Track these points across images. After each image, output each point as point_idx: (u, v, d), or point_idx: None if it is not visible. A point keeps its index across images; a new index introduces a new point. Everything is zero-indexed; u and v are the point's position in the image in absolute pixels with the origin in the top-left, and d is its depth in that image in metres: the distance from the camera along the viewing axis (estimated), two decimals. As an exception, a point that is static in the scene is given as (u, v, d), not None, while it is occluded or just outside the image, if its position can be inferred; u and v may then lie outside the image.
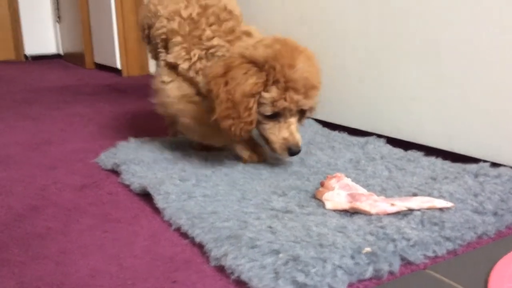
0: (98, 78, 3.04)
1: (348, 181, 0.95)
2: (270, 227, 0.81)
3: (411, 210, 0.85)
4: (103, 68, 3.38)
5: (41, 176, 1.23)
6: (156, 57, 1.33)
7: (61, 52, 4.17)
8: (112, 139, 1.55)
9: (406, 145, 1.24)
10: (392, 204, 0.85)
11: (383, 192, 0.96)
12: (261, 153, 1.18)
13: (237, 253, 0.74)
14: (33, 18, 4.04)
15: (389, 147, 1.23)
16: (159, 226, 0.92)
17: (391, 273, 0.72)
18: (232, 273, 0.71)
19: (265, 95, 1.02)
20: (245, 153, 1.17)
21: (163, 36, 1.20)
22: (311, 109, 1.11)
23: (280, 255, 0.72)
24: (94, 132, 1.69)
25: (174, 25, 1.16)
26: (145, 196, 1.04)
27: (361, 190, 0.93)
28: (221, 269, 0.75)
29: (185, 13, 1.16)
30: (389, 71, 1.26)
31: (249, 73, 1.01)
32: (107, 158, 1.27)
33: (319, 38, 1.28)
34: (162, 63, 1.20)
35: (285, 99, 1.02)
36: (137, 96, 2.40)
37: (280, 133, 1.06)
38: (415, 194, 0.92)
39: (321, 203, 0.91)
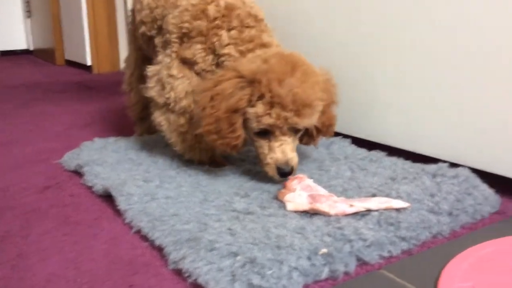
0: (68, 75, 2.99)
1: (309, 182, 0.96)
2: (230, 229, 0.81)
3: (369, 211, 0.86)
4: (73, 65, 3.33)
5: (3, 177, 1.21)
6: (153, 50, 1.26)
7: (31, 48, 4.09)
8: (78, 138, 1.53)
9: (370, 145, 1.26)
10: (351, 205, 0.87)
11: (344, 192, 0.98)
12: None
13: (195, 256, 0.74)
14: (2, 13, 3.95)
15: (353, 147, 1.25)
16: (120, 229, 0.91)
17: (346, 273, 0.74)
18: (189, 276, 0.72)
19: (250, 110, 0.98)
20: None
21: (185, 31, 1.12)
22: (312, 127, 1.06)
23: (238, 257, 0.72)
24: (60, 131, 1.67)
25: (202, 26, 1.10)
26: (108, 197, 1.03)
27: (322, 191, 0.94)
28: (179, 272, 0.75)
29: (211, 13, 1.10)
30: (353, 74, 1.28)
31: (236, 88, 0.98)
32: (70, 159, 1.25)
33: (283, 39, 1.29)
34: (173, 55, 1.13)
35: (270, 115, 0.97)
36: (107, 93, 2.37)
37: (270, 152, 1.01)
38: (374, 195, 0.94)
39: (282, 204, 0.92)
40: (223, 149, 1.03)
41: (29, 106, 2.11)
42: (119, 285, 0.73)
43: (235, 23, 1.10)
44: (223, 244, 0.76)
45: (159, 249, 0.81)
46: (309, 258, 0.73)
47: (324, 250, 0.74)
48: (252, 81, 0.98)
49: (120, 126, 1.72)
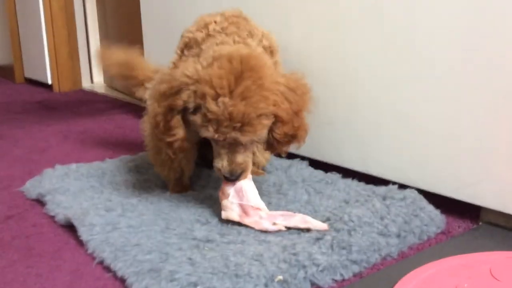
0: (28, 94, 2.95)
1: (244, 183, 1.01)
2: (190, 258, 0.84)
3: (298, 229, 0.96)
4: (33, 83, 3.29)
5: (-38, 208, 1.20)
6: None
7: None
8: (40, 164, 1.53)
9: (326, 167, 1.31)
10: (274, 223, 0.97)
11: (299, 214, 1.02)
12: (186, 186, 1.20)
13: (157, 286, 0.77)
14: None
15: (310, 169, 1.30)
16: (82, 260, 0.93)
17: (301, 298, 0.78)
18: (151, 307, 0.75)
19: (191, 117, 0.97)
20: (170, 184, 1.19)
21: (186, 40, 1.16)
22: (270, 138, 1.01)
23: (198, 287, 0.76)
24: (21, 156, 1.66)
25: (199, 37, 1.12)
26: (70, 227, 1.05)
27: (253, 199, 1.01)
28: (141, 303, 0.78)
29: (211, 28, 1.12)
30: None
31: (177, 88, 0.96)
32: (32, 187, 1.26)
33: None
34: (171, 65, 1.18)
35: (207, 128, 0.95)
36: (69, 114, 2.36)
37: (217, 157, 1.00)
38: (328, 218, 0.99)
39: (241, 231, 0.97)
40: (167, 148, 1.02)
41: (-13, 128, 2.08)
42: (82, 318, 0.75)
43: (231, 29, 1.10)
44: (183, 275, 0.79)
45: (122, 280, 0.84)
46: (266, 285, 0.77)
47: (280, 277, 0.79)
48: (191, 86, 0.95)
49: (82, 149, 1.72)
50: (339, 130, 1.28)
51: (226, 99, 0.92)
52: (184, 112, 0.98)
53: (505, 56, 0.94)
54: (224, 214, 0.99)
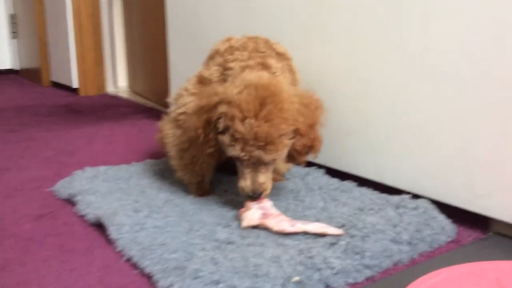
0: (54, 98, 3.06)
1: (267, 203, 1.10)
2: (213, 258, 0.90)
3: (307, 233, 1.02)
4: (59, 86, 3.40)
5: (-2, 205, 1.28)
6: None
7: (17, 68, 4.14)
8: (68, 165, 1.61)
9: (342, 176, 1.36)
10: (292, 225, 1.02)
11: (317, 222, 1.07)
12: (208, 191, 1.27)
13: (182, 283, 0.83)
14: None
15: (327, 177, 1.35)
16: (112, 257, 1.00)
17: (316, 299, 0.83)
18: (176, 302, 0.81)
19: (220, 137, 1.08)
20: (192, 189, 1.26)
21: (211, 53, 1.29)
22: (292, 150, 1.11)
23: (220, 285, 0.82)
24: (50, 157, 1.74)
25: (221, 48, 1.26)
26: (100, 226, 1.12)
27: (274, 210, 1.08)
28: (167, 298, 0.84)
29: (233, 42, 1.26)
30: (328, 109, 1.39)
31: (214, 105, 1.08)
32: (62, 188, 1.33)
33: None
34: (197, 73, 1.28)
35: (234, 147, 1.05)
36: (94, 117, 2.45)
37: (241, 178, 1.10)
38: (343, 225, 1.04)
39: (260, 234, 1.02)
40: (204, 157, 1.14)
41: (17, 130, 2.17)
42: (113, 310, 0.82)
43: (250, 45, 1.23)
44: (207, 273, 0.85)
45: (148, 277, 0.90)
46: (283, 285, 0.82)
47: (296, 278, 0.84)
48: (226, 102, 1.06)
49: (108, 152, 1.80)
50: (355, 140, 1.33)
51: (252, 121, 1.03)
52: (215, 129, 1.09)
53: (516, 74, 0.98)
54: (244, 223, 1.05)
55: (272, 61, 1.21)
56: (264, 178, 1.10)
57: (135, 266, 0.95)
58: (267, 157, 1.06)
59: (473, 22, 1.04)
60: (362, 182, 1.31)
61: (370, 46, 1.26)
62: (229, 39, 1.28)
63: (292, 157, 1.15)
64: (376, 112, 1.27)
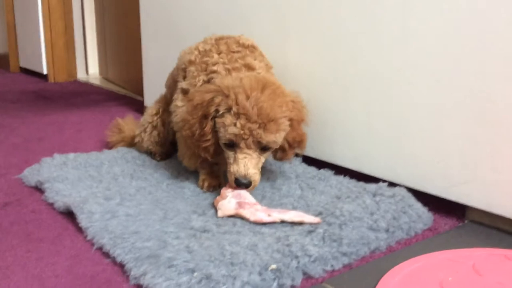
0: (23, 84, 2.96)
1: (242, 191, 1.08)
2: (188, 246, 0.88)
3: (284, 222, 1.00)
4: (28, 73, 3.29)
5: (-39, 193, 1.22)
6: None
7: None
8: (37, 152, 1.55)
9: (319, 164, 1.35)
10: (269, 215, 1.00)
11: (294, 210, 1.06)
12: (218, 176, 1.23)
13: (155, 272, 0.80)
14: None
15: (304, 166, 1.34)
16: (81, 246, 0.96)
17: (293, 286, 0.82)
18: (149, 291, 0.78)
19: (219, 120, 1.08)
20: (201, 178, 1.22)
21: (183, 67, 1.29)
22: (284, 142, 1.13)
23: (195, 274, 0.79)
24: (17, 144, 1.67)
25: (192, 56, 1.26)
26: (69, 214, 1.07)
27: (250, 199, 1.06)
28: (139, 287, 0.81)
29: (201, 47, 1.27)
30: (306, 99, 1.37)
31: (210, 98, 1.09)
32: (30, 175, 1.28)
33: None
34: (179, 90, 1.28)
35: (235, 125, 1.05)
36: (64, 104, 2.38)
37: (234, 163, 1.09)
38: (320, 213, 1.03)
39: (236, 222, 1.00)
40: (200, 153, 1.14)
41: (-17, 116, 2.09)
42: (82, 300, 0.78)
43: (222, 48, 1.24)
44: (181, 261, 0.82)
45: (121, 266, 0.87)
46: (260, 274, 0.80)
47: (274, 266, 0.82)
48: (223, 94, 1.08)
49: (78, 139, 1.74)
50: (332, 129, 1.32)
51: (258, 96, 1.06)
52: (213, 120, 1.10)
53: (494, 62, 0.98)
54: (220, 213, 1.03)
55: (254, 62, 1.23)
56: (256, 169, 1.09)
57: (106, 255, 0.91)
58: (266, 136, 1.06)
59: (452, 13, 1.03)
60: (339, 170, 1.30)
61: (348, 37, 1.25)
62: (196, 48, 1.29)
63: (283, 151, 1.16)
64: (353, 102, 1.26)
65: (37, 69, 3.10)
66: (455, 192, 1.08)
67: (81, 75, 3.18)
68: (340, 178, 1.24)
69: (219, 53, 1.23)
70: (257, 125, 1.05)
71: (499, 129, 0.99)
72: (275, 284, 0.80)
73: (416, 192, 1.12)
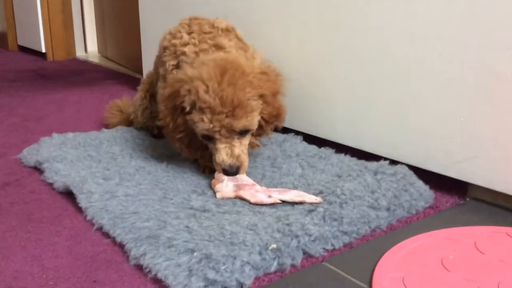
0: (21, 62, 2.93)
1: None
2: (187, 226, 0.87)
3: (285, 202, 0.99)
4: (27, 51, 3.26)
5: (-40, 173, 1.22)
6: None
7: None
8: (35, 132, 1.54)
9: (320, 142, 1.34)
10: (269, 196, 0.99)
11: (294, 189, 1.05)
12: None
13: (155, 252, 0.80)
14: None
15: (304, 144, 1.33)
16: (81, 226, 0.96)
17: (293, 266, 0.81)
18: (149, 271, 0.78)
19: (188, 117, 1.06)
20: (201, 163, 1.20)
21: (159, 54, 1.28)
22: (260, 120, 1.10)
23: (195, 253, 0.79)
24: (16, 124, 1.66)
25: (164, 42, 1.24)
26: (68, 194, 1.07)
27: (247, 180, 1.05)
28: (139, 268, 0.81)
29: (173, 29, 1.24)
30: (307, 75, 1.35)
31: (176, 90, 1.07)
32: (29, 155, 1.27)
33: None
34: (160, 76, 1.26)
35: (203, 121, 1.03)
36: (63, 83, 2.36)
37: (217, 153, 1.07)
38: (321, 192, 1.02)
39: (236, 202, 0.99)
40: (175, 144, 1.14)
41: (-18, 95, 2.08)
42: (82, 281, 0.78)
43: (194, 28, 1.20)
44: (181, 241, 0.82)
45: (120, 246, 0.87)
46: (260, 253, 0.80)
47: (274, 246, 0.82)
48: (187, 88, 1.05)
49: (77, 118, 1.73)
50: (333, 106, 1.31)
51: (215, 86, 1.02)
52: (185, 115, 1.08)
53: (499, 36, 0.96)
54: (218, 195, 1.02)
55: (224, 41, 1.19)
56: (239, 151, 1.07)
57: (106, 235, 0.91)
58: (237, 123, 1.03)
59: None
60: (340, 148, 1.29)
61: (349, 10, 1.22)
62: (169, 32, 1.26)
63: (260, 128, 1.14)
64: (354, 78, 1.24)
65: (35, 47, 3.07)
66: (457, 170, 1.07)
67: (79, 53, 3.15)
68: (341, 156, 1.23)
69: (190, 33, 1.20)
70: (224, 115, 1.02)
71: (503, 105, 0.97)
72: (275, 263, 0.80)
73: (418, 170, 1.11)
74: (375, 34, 1.17)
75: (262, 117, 1.11)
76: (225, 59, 1.08)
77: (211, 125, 1.03)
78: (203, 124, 1.03)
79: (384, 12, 1.14)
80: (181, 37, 1.20)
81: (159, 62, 1.29)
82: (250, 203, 0.99)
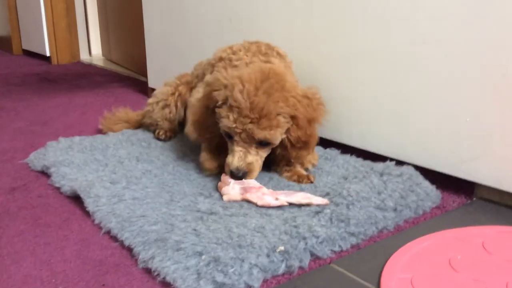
0: (26, 66, 2.95)
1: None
2: (195, 229, 0.87)
3: (292, 204, 0.98)
4: (31, 55, 3.27)
5: (-32, 178, 1.23)
6: None
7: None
8: (42, 136, 1.55)
9: (326, 143, 1.34)
10: (276, 198, 0.99)
11: (301, 191, 1.05)
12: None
13: (163, 255, 0.81)
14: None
15: (310, 145, 1.32)
16: (89, 230, 0.96)
17: (301, 268, 0.82)
18: (158, 275, 0.78)
19: (217, 110, 1.07)
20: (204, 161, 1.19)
21: (213, 62, 1.30)
22: (285, 140, 1.08)
23: (203, 256, 0.79)
24: (22, 128, 1.67)
25: (223, 54, 1.27)
26: (76, 198, 1.07)
27: (253, 183, 1.05)
28: (148, 271, 0.81)
29: (235, 47, 1.28)
30: (311, 76, 1.35)
31: (212, 90, 1.09)
32: (36, 159, 1.28)
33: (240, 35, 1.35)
34: (204, 81, 1.28)
35: (228, 118, 1.03)
36: (68, 86, 2.37)
37: (230, 154, 1.07)
38: (328, 193, 1.02)
39: (244, 204, 0.99)
40: (203, 142, 1.16)
41: (-13, 100, 2.09)
42: (91, 285, 0.79)
43: (253, 49, 1.25)
44: (189, 244, 0.82)
45: (129, 249, 0.87)
46: (268, 256, 0.80)
47: (281, 248, 0.82)
48: (224, 84, 1.07)
49: (83, 122, 1.74)
50: (339, 107, 1.31)
51: (251, 89, 1.02)
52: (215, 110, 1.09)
53: (506, 35, 0.95)
54: (225, 198, 1.02)
55: (275, 60, 1.21)
56: (252, 159, 1.06)
57: (114, 239, 0.91)
58: (259, 132, 1.03)
59: (461, -17, 1.00)
60: (346, 149, 1.29)
61: (358, 12, 1.22)
62: (230, 47, 1.29)
63: (285, 149, 1.10)
64: (360, 79, 1.24)
65: (40, 51, 3.09)
66: (464, 169, 1.06)
67: (84, 57, 3.16)
68: (347, 157, 1.23)
69: (247, 51, 1.24)
70: (249, 120, 1.02)
71: (509, 105, 0.97)
72: (283, 265, 0.80)
73: (424, 170, 1.11)
74: (380, 35, 1.17)
75: (288, 138, 1.08)
76: (271, 68, 1.08)
77: (234, 125, 1.03)
78: (227, 121, 1.04)
79: (389, 12, 1.14)
80: (239, 55, 1.23)
81: (209, 66, 1.31)
82: (257, 205, 0.98)
